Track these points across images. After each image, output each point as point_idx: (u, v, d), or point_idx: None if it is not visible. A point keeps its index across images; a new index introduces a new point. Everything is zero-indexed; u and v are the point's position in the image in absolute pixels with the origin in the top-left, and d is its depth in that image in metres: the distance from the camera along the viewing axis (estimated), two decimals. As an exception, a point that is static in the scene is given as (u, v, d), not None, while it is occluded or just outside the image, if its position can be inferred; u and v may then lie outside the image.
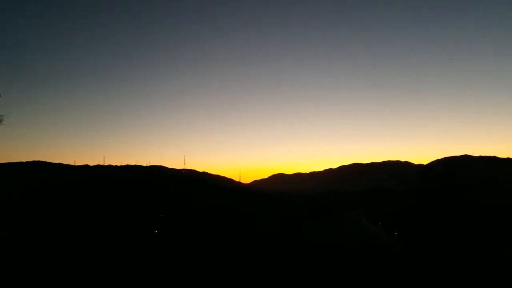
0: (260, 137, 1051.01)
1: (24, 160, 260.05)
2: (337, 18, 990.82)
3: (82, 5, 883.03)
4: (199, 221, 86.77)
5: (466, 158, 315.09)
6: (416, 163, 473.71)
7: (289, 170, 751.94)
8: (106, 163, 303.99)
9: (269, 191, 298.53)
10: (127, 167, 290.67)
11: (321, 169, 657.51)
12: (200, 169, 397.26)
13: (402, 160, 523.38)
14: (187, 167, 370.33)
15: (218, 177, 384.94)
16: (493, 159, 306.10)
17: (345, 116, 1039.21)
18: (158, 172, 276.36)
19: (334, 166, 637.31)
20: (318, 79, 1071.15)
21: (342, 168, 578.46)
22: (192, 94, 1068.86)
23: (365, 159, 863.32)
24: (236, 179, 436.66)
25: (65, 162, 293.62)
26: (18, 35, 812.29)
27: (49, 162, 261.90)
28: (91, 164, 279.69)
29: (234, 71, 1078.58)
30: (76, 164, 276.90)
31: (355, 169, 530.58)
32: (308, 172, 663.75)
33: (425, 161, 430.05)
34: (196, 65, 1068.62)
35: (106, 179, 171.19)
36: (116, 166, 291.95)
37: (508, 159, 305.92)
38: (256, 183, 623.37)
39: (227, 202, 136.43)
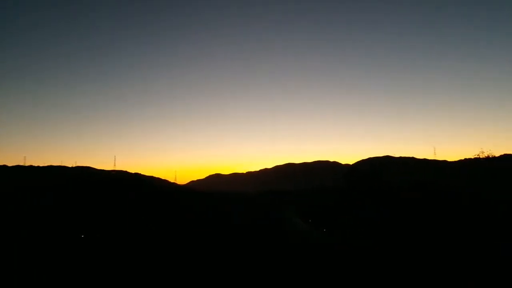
0: (195, 137, 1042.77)
1: None
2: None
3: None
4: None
5: (387, 159, 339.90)
6: (343, 163, 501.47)
7: (225, 170, 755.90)
8: (27, 164, 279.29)
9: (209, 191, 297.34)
10: (51, 168, 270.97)
11: (257, 169, 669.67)
12: (132, 170, 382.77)
13: (331, 160, 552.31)
14: (118, 168, 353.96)
15: (152, 178, 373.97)
16: (411, 160, 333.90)
17: (279, 117, 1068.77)
18: (88, 173, 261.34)
19: (270, 166, 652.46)
20: (251, 81, 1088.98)
21: (277, 168, 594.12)
22: (123, 91, 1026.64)
23: (298, 159, 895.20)
24: (172, 180, 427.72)
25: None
26: None
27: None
28: (9, 165, 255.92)
29: (167, 69, 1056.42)
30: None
31: (289, 169, 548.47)
32: (245, 172, 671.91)
33: (351, 161, 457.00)
34: (128, 62, 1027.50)
35: (29, 182, 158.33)
36: (39, 166, 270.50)
37: (424, 159, 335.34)
38: (192, 183, 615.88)
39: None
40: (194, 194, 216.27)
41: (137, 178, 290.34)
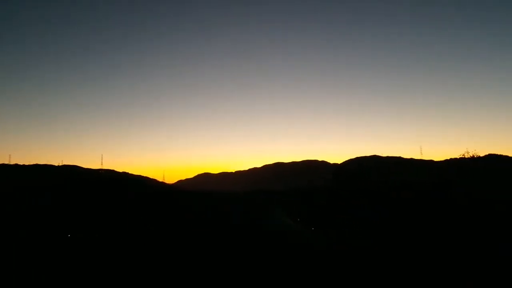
0: (184, 136, 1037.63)
1: None
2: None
3: None
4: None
5: (375, 158, 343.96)
6: (332, 162, 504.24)
7: (214, 170, 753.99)
8: (12, 162, 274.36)
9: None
10: (38, 166, 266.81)
11: (246, 168, 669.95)
12: (119, 169, 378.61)
13: (320, 159, 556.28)
14: (104, 167, 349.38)
15: (141, 177, 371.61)
16: (399, 159, 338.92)
17: (268, 117, 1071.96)
18: (74, 172, 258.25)
19: (259, 165, 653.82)
20: (240, 81, 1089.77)
21: (266, 167, 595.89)
22: (110, 89, 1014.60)
23: (287, 159, 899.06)
24: (160, 179, 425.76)
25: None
26: None
27: None
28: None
29: (155, 68, 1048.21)
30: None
31: (278, 168, 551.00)
32: (233, 171, 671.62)
33: (339, 161, 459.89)
34: (115, 60, 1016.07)
35: (18, 182, 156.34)
36: (24, 165, 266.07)
37: (411, 159, 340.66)
38: (181, 183, 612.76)
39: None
40: (192, 194, 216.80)
41: (133, 178, 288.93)
